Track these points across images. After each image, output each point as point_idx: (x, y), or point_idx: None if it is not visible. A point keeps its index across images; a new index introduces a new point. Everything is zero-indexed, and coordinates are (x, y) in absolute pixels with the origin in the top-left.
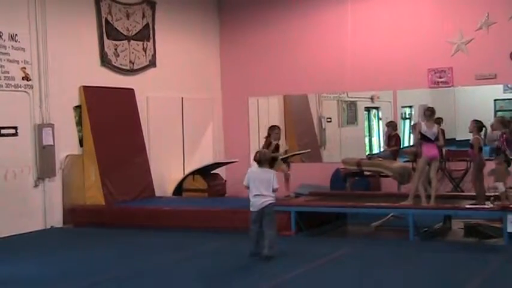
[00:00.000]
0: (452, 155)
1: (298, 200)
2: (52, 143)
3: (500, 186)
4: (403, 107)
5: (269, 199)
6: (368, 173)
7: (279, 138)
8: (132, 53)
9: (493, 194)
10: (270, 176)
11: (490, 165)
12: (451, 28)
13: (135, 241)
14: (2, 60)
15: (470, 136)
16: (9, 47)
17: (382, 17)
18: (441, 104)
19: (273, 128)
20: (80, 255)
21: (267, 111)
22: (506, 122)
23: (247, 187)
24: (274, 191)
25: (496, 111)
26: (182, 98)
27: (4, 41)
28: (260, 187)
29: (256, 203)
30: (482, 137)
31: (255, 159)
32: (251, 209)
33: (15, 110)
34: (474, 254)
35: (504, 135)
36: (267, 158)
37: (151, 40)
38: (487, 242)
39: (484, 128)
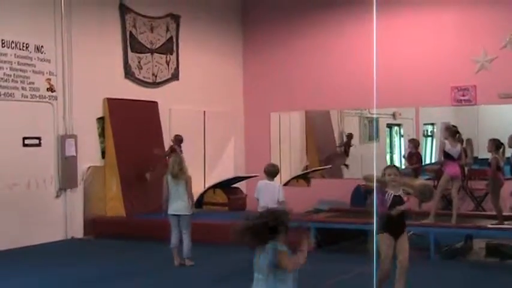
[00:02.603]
0: (475, 174)
1: (318, 216)
2: (74, 154)
3: None
4: (425, 124)
5: None
6: None
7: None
8: (155, 65)
9: None
10: (276, 188)
11: None
12: (475, 46)
13: (154, 253)
14: (27, 72)
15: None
16: (35, 59)
17: (406, 34)
18: (464, 122)
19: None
20: (99, 266)
21: (288, 126)
22: None
23: (257, 199)
24: (280, 203)
25: None
26: (204, 111)
27: (30, 52)
28: (266, 199)
29: None
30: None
31: (264, 172)
32: None
33: (39, 120)
34: (495, 274)
35: None
36: (275, 171)
37: (174, 53)
38: (508, 262)
39: (502, 146)
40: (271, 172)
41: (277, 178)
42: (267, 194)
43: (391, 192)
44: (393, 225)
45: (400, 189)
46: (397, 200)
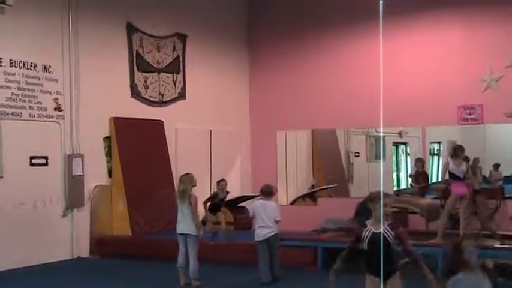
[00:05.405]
0: (482, 193)
1: (325, 235)
2: (81, 173)
3: None
4: (431, 142)
5: (273, 230)
6: (395, 209)
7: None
8: (162, 85)
9: None
10: (273, 207)
11: None
12: (481, 65)
13: (160, 273)
14: (35, 91)
15: None
16: (42, 78)
17: (413, 53)
18: (470, 141)
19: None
20: (105, 286)
21: (295, 145)
22: None
23: (253, 217)
24: (276, 222)
25: None
26: (211, 130)
27: (38, 72)
28: (264, 218)
29: (261, 233)
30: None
31: (260, 192)
32: (256, 239)
33: (46, 140)
34: None
35: None
36: (270, 191)
37: (181, 73)
38: None
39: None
40: (267, 192)
41: (284, 197)
42: (263, 213)
43: (370, 229)
44: (374, 265)
45: (384, 224)
46: (376, 238)
